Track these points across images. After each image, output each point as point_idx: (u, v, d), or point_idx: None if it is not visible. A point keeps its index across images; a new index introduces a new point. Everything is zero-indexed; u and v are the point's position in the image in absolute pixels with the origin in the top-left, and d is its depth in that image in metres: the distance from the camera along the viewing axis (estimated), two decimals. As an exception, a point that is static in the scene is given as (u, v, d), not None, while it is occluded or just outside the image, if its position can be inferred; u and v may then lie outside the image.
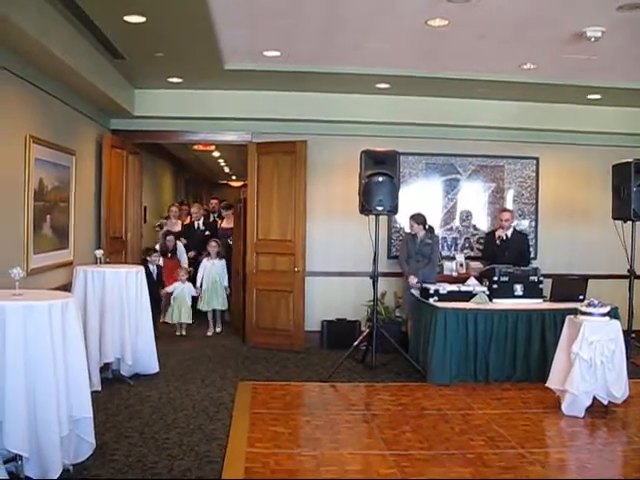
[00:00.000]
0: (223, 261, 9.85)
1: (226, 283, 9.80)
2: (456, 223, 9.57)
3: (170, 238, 10.38)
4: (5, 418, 3.96)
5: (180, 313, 9.47)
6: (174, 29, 6.11)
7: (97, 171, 8.53)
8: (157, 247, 10.56)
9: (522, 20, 5.94)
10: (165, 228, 11.10)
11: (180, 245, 10.58)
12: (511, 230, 8.54)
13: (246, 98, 8.80)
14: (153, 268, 8.99)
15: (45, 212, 6.67)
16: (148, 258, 9.08)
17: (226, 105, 8.82)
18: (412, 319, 8.15)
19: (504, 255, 8.23)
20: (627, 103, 8.94)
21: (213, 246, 9.81)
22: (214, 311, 9.87)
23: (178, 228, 11.14)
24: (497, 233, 8.51)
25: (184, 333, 9.59)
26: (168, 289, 9.38)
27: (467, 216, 9.56)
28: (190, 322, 9.59)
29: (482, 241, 9.37)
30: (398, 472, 4.65)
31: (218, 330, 9.86)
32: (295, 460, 4.87)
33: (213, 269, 9.72)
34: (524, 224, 9.56)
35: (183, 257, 10.56)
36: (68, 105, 7.33)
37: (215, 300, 9.73)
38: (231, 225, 10.75)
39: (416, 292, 7.97)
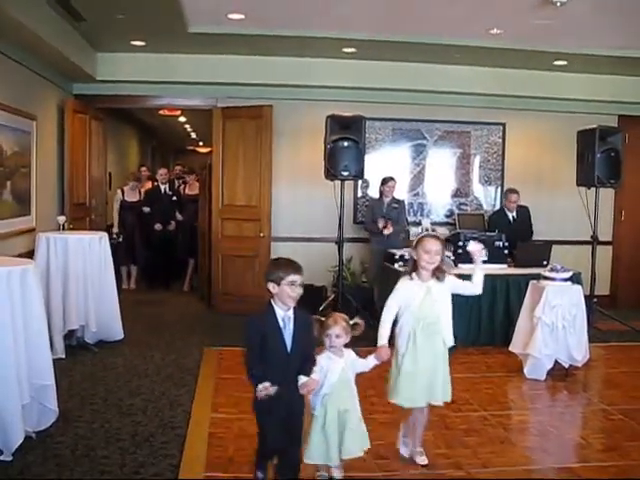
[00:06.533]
0: (445, 284, 4.21)
1: (450, 339, 4.24)
2: (425, 189, 9.60)
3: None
4: (-36, 386, 3.93)
5: (342, 440, 3.76)
6: (135, -10, 5.99)
7: (59, 136, 8.40)
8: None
9: (488, -16, 5.91)
10: (120, 196, 10.44)
11: None
12: (515, 210, 8.72)
13: (211, 62, 8.67)
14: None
15: (5, 178, 6.56)
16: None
17: (190, 69, 8.68)
18: (378, 284, 8.17)
19: (511, 236, 8.19)
20: (593, 70, 8.97)
21: (436, 250, 4.11)
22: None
23: (136, 197, 10.52)
24: (509, 213, 8.74)
25: None
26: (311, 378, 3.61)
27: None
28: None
29: (451, 207, 9.50)
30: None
31: (424, 462, 4.28)
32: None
33: (428, 302, 4.15)
34: (490, 190, 9.63)
35: None
36: (27, 68, 7.18)
37: (435, 384, 4.17)
38: (194, 191, 10.66)
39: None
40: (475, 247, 4.35)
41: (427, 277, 4.17)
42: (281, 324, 3.56)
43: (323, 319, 3.80)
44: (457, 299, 7.03)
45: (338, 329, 3.76)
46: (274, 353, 3.54)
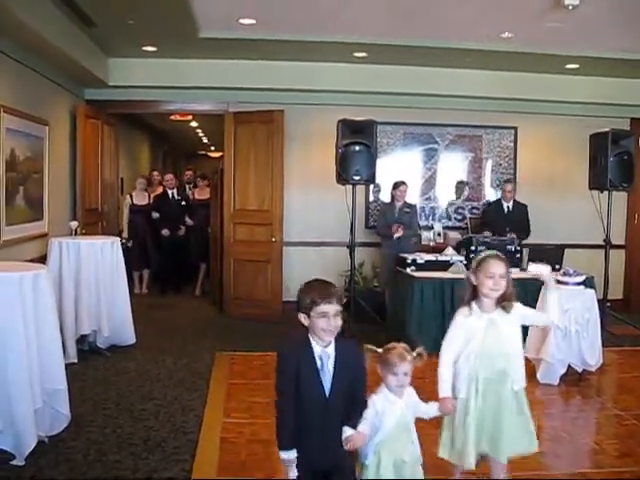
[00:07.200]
0: (513, 315, 3.55)
1: (522, 381, 3.57)
2: (436, 193, 9.57)
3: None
4: (-23, 391, 3.94)
5: None
6: (146, -5, 6.01)
7: (71, 142, 8.42)
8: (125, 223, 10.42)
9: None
10: (129, 201, 10.46)
11: None
12: (512, 202, 8.64)
13: (222, 67, 8.70)
14: None
15: (18, 183, 6.59)
16: None
17: (202, 74, 8.71)
18: (390, 288, 8.16)
19: (506, 227, 8.27)
20: (605, 73, 8.92)
21: (501, 273, 3.49)
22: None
23: (145, 201, 10.55)
24: (505, 204, 8.72)
25: None
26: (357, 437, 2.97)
27: (459, 187, 9.58)
28: None
29: (462, 211, 9.45)
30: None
31: None
32: (272, 430, 4.78)
33: (492, 337, 3.48)
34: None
35: None
36: (40, 74, 7.22)
37: (497, 438, 3.49)
38: (205, 196, 10.70)
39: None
40: (541, 270, 3.76)
41: (490, 307, 3.50)
42: (318, 363, 2.89)
43: (380, 350, 3.19)
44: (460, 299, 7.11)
45: (407, 366, 3.14)
46: (309, 398, 2.88)
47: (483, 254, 3.59)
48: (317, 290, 2.92)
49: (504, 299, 3.48)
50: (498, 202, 8.88)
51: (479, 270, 3.49)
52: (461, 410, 3.51)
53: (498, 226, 8.34)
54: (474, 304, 3.52)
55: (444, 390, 3.46)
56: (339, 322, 2.88)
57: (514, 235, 8.08)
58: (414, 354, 3.19)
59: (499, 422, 3.48)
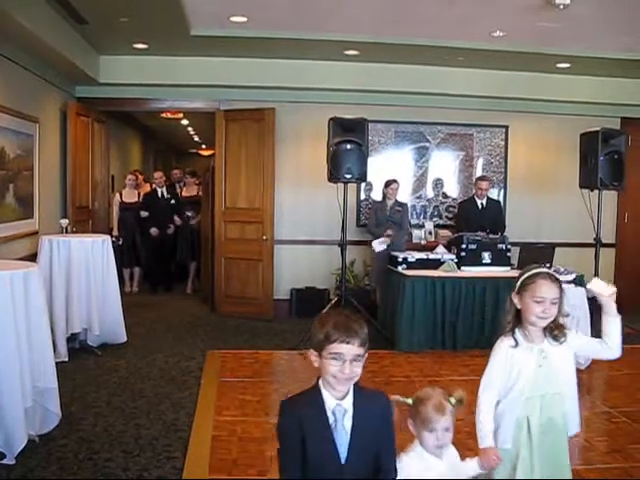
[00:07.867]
0: (565, 346, 2.94)
1: (576, 425, 3.15)
2: (427, 191, 9.56)
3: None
4: (-33, 389, 3.92)
5: None
6: (138, -7, 5.99)
7: (62, 139, 8.39)
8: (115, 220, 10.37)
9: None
10: (119, 199, 10.38)
11: None
12: (486, 199, 8.63)
13: (213, 65, 8.67)
14: None
15: (7, 181, 6.56)
16: None
17: (193, 72, 8.68)
18: (381, 287, 8.17)
19: (481, 223, 8.26)
20: (596, 72, 8.94)
21: (553, 298, 2.85)
22: None
23: (135, 199, 10.47)
24: (478, 200, 8.64)
25: None
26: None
27: (437, 184, 9.56)
28: None
29: (454, 209, 9.44)
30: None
31: None
32: (263, 428, 4.87)
33: (545, 373, 2.89)
34: (493, 193, 9.60)
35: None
36: (30, 71, 7.18)
37: None
38: (192, 193, 10.69)
39: (381, 247, 8.01)
40: (601, 287, 2.97)
41: (539, 336, 2.88)
42: (330, 420, 2.25)
43: (409, 401, 2.58)
44: (451, 298, 7.14)
45: (447, 420, 2.55)
46: (319, 463, 2.23)
47: (531, 271, 2.92)
48: (335, 324, 2.25)
49: (555, 326, 2.87)
50: (471, 199, 8.83)
51: (525, 291, 2.86)
52: (507, 466, 2.88)
53: (472, 223, 8.30)
54: (518, 332, 2.90)
55: (485, 439, 2.85)
56: (357, 370, 2.24)
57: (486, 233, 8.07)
58: (452, 400, 2.60)
59: (560, 474, 2.92)
